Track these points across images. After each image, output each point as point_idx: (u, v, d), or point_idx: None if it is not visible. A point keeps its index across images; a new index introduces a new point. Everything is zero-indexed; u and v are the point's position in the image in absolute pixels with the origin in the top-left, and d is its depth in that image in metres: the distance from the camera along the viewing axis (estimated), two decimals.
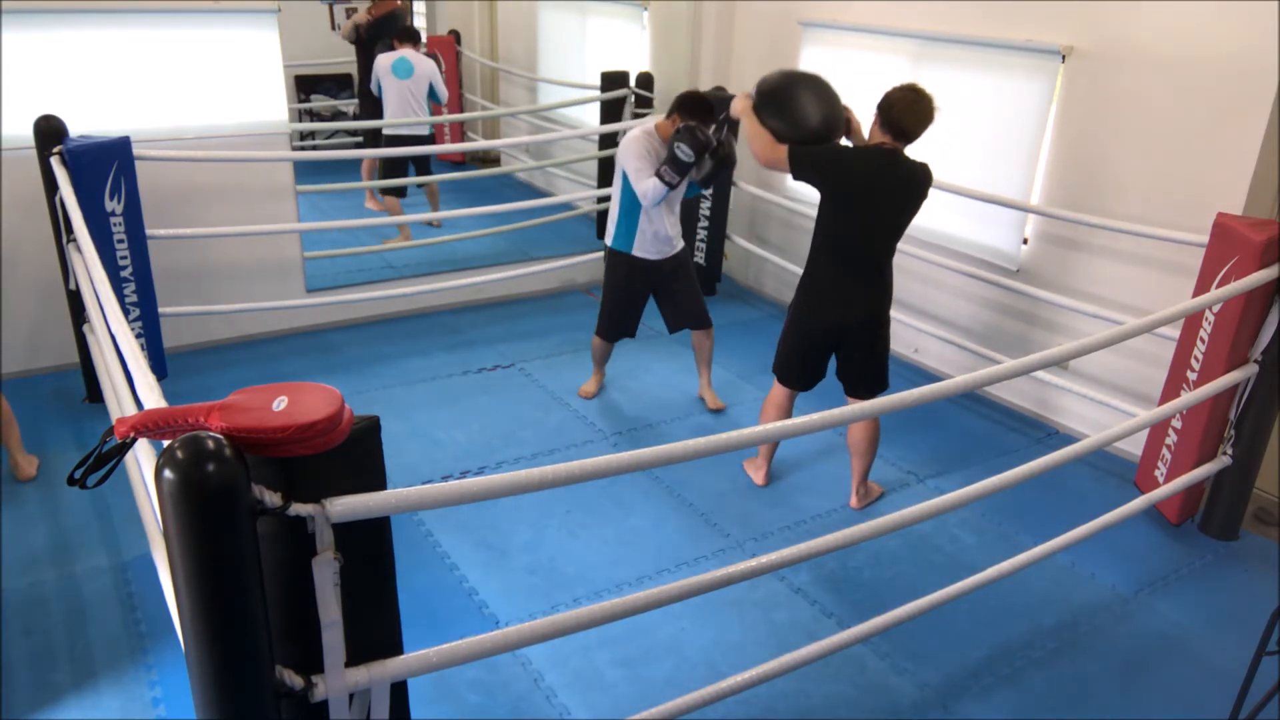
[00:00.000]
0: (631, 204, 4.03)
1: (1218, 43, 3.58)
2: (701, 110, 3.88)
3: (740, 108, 3.42)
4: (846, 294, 3.38)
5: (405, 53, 6.30)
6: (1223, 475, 3.54)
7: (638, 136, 3.95)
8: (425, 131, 6.56)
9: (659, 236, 4.10)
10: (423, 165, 6.60)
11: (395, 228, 6.36)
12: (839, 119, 3.37)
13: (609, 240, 4.20)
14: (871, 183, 3.24)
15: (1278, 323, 3.26)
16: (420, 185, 6.68)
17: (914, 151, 3.28)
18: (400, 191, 6.49)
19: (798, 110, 3.32)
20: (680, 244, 4.23)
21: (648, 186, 3.88)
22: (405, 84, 6.26)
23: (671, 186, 3.85)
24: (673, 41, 5.95)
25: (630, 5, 6.39)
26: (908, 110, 3.17)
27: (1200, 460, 3.49)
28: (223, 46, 4.43)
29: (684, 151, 3.75)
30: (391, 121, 6.32)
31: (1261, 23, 3.44)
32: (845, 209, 3.30)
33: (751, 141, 3.37)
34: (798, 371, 3.58)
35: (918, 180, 3.28)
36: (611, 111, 6.05)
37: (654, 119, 4.13)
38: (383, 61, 6.27)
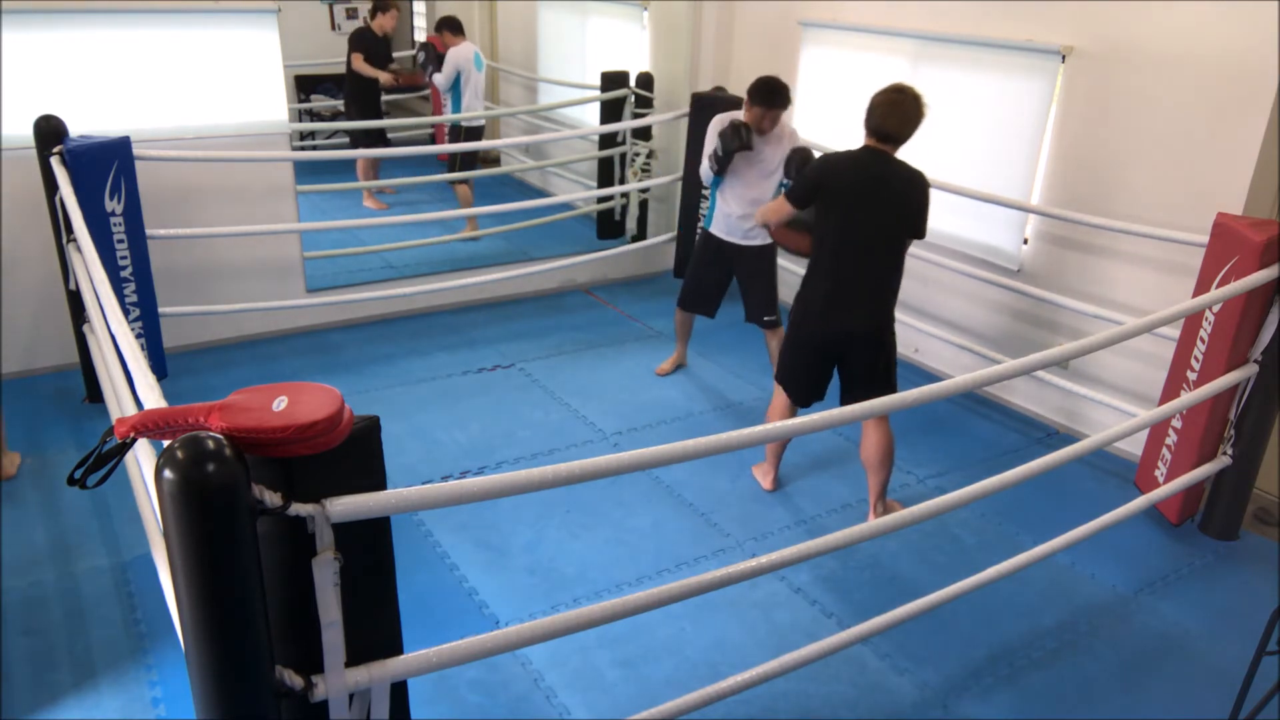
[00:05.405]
0: (713, 185, 4.35)
1: (1218, 43, 3.58)
2: (756, 97, 4.02)
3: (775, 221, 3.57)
4: (841, 303, 3.31)
5: (473, 46, 6.36)
6: (1223, 475, 3.54)
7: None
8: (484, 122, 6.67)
9: (729, 218, 4.30)
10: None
11: (464, 219, 6.41)
12: None
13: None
14: (856, 185, 3.22)
15: (1278, 323, 3.26)
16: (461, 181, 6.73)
17: (915, 152, 3.27)
18: (468, 180, 6.55)
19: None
20: (748, 241, 4.31)
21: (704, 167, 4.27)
22: (480, 76, 6.34)
23: (714, 171, 4.19)
24: (673, 41, 5.95)
25: (630, 5, 6.39)
26: (891, 113, 3.14)
27: (1200, 460, 3.49)
28: (223, 46, 4.43)
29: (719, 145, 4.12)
30: (470, 115, 6.37)
31: (1261, 23, 3.44)
32: (833, 214, 3.28)
33: (775, 235, 3.65)
34: (796, 383, 3.53)
35: (907, 184, 3.22)
36: (611, 111, 6.05)
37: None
38: (464, 52, 6.26)
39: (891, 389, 3.40)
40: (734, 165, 4.15)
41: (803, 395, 3.54)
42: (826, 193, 3.28)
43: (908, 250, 3.38)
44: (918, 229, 3.29)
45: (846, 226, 3.26)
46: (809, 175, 3.35)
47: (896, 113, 3.14)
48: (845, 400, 3.43)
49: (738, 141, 4.02)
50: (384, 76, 6.95)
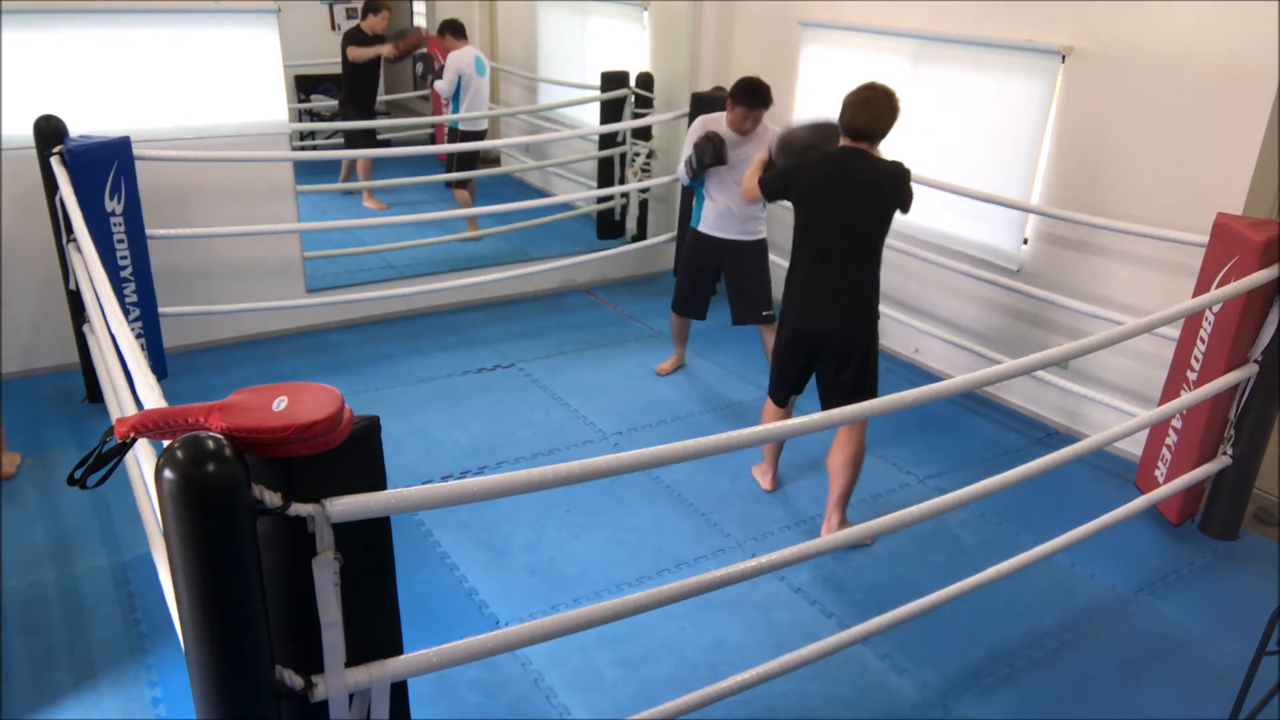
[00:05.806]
0: (697, 184, 4.39)
1: (1218, 43, 3.58)
2: (738, 97, 4.08)
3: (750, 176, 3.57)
4: (815, 302, 3.28)
5: (474, 50, 6.34)
6: (1223, 475, 3.54)
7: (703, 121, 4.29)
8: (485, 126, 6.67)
9: (716, 215, 4.33)
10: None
11: (464, 221, 6.43)
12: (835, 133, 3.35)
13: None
14: (831, 185, 3.20)
15: (1278, 323, 3.26)
16: (461, 185, 6.72)
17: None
18: (466, 183, 6.53)
19: (797, 147, 3.44)
20: (745, 235, 4.33)
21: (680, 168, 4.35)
22: (482, 80, 6.33)
23: (690, 177, 4.28)
24: (673, 41, 5.95)
25: (630, 5, 6.39)
26: (861, 110, 3.13)
27: (1200, 460, 3.49)
28: (223, 46, 4.43)
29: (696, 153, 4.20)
30: (470, 115, 6.35)
31: (1261, 23, 3.44)
32: (808, 214, 3.27)
33: (743, 187, 3.60)
34: (780, 378, 3.51)
35: (886, 179, 3.18)
36: (611, 111, 6.05)
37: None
38: (464, 56, 6.23)
39: (863, 391, 3.30)
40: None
41: (779, 390, 3.52)
42: (797, 192, 3.28)
43: (885, 238, 3.32)
44: (903, 207, 3.24)
45: (820, 226, 3.25)
46: (782, 170, 3.35)
47: (868, 109, 3.12)
48: (823, 405, 3.39)
49: (711, 157, 4.10)
50: (385, 49, 6.91)
